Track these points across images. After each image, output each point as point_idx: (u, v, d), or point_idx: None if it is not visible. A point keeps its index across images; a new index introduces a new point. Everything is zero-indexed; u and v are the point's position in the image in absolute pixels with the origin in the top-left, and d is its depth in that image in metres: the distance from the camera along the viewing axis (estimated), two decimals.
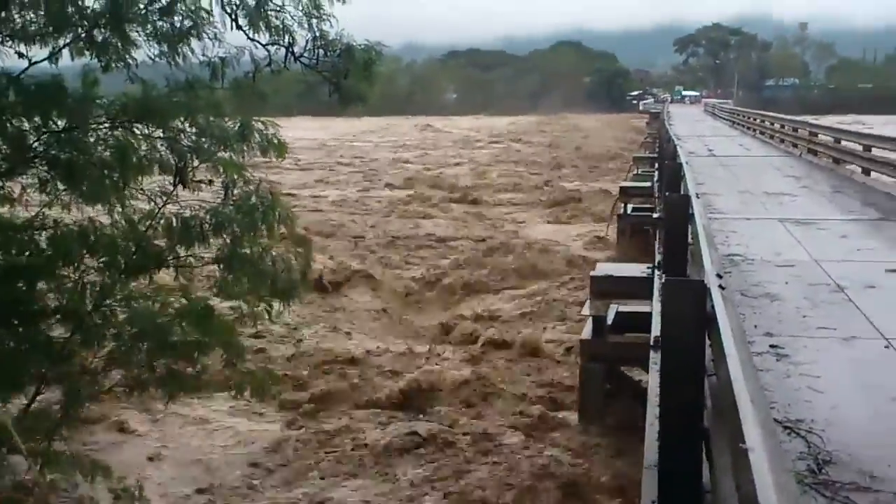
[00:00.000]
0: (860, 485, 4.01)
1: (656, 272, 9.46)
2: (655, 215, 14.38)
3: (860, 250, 9.92)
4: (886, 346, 6.13)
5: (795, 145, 25.78)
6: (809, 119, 29.88)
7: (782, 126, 29.62)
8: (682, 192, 9.77)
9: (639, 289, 9.84)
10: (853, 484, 4.02)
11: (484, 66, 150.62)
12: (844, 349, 6.15)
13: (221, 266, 6.15)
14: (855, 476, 4.09)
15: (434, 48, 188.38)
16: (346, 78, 6.45)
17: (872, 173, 17.14)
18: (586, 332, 10.65)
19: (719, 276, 4.47)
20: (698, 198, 8.35)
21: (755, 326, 6.66)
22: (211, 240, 6.14)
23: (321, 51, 6.42)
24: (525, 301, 16.48)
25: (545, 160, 46.45)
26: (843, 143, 20.17)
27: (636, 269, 10.97)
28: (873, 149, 17.52)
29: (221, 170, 6.02)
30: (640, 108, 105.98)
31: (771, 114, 37.79)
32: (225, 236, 6.11)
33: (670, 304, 4.07)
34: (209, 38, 6.10)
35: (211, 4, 6.13)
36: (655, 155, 29.35)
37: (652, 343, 6.81)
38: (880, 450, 4.42)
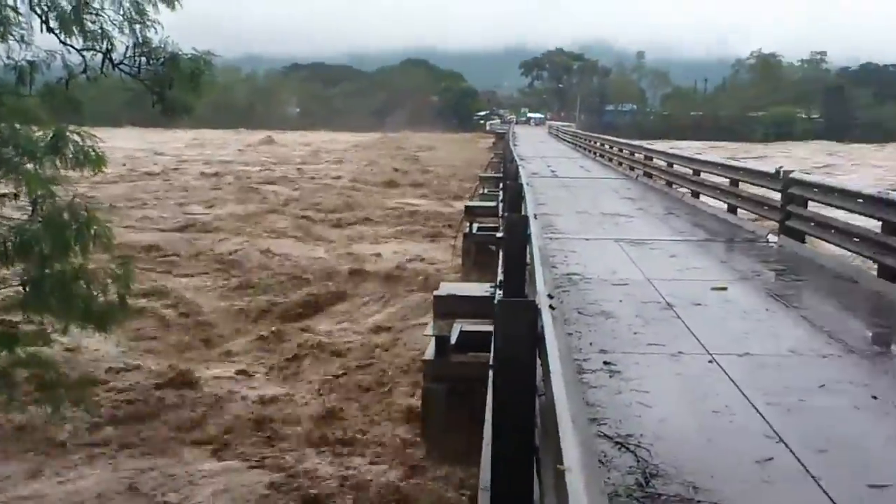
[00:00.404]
0: (683, 496, 4.19)
1: (498, 291, 9.61)
2: (499, 235, 14.64)
3: (689, 269, 10.47)
4: (710, 361, 6.47)
5: (633, 168, 27.06)
6: (645, 143, 31.42)
7: (621, 150, 31.04)
8: (522, 213, 9.98)
9: (481, 308, 9.96)
10: (677, 496, 4.19)
11: (328, 80, 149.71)
12: (672, 364, 6.43)
13: (27, 289, 5.71)
14: (679, 488, 4.26)
15: (276, 60, 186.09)
16: (171, 88, 6.19)
17: (701, 196, 18.18)
18: (429, 352, 10.67)
19: (550, 297, 4.56)
20: (536, 218, 8.55)
21: (591, 344, 6.88)
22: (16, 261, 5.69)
23: (143, 58, 6.13)
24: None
25: (387, 177, 46.47)
26: (676, 167, 21.31)
27: (479, 289, 11.11)
28: (701, 173, 18.61)
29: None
30: (487, 128, 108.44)
31: (610, 138, 39.55)
32: (32, 256, 5.67)
33: (503, 324, 4.10)
34: (15, 39, 5.70)
35: (16, 3, 5.73)
36: (501, 175, 30.02)
37: (490, 363, 6.88)
38: (703, 462, 4.63)
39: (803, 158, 69.42)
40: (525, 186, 12.30)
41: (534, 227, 7.62)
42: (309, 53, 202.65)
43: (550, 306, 4.24)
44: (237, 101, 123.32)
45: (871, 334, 7.87)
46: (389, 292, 18.42)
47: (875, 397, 5.69)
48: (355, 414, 11.47)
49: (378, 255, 23.09)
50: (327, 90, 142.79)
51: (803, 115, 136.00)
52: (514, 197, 11.48)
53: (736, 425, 5.19)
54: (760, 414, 5.34)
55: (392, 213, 32.87)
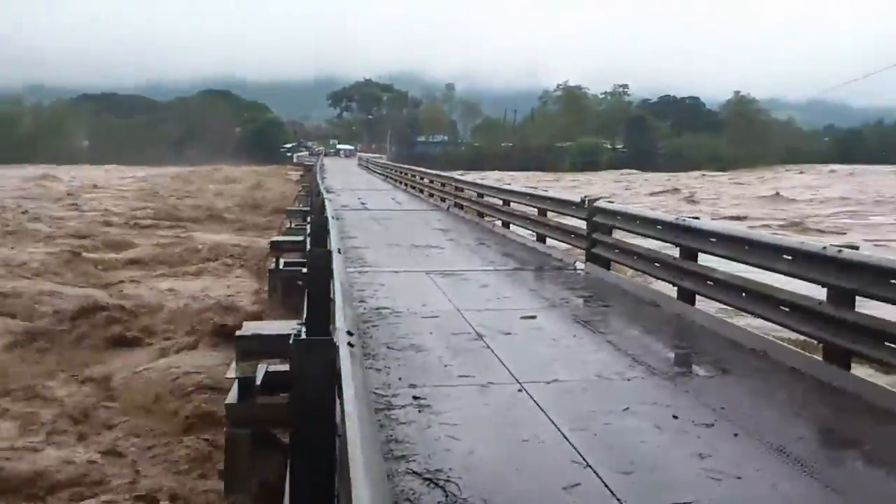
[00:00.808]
0: None
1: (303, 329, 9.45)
2: (305, 270, 14.47)
3: (499, 298, 10.75)
4: (519, 390, 6.64)
5: (444, 199, 27.59)
6: (456, 174, 32.14)
7: (432, 181, 31.59)
8: (328, 247, 9.90)
9: (287, 347, 9.75)
10: None
11: (121, 111, 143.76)
12: (482, 396, 6.55)
13: None
14: None
15: (64, 90, 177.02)
16: None
17: (511, 226, 18.79)
18: (232, 395, 10.31)
19: (350, 334, 4.52)
20: (340, 252, 8.51)
21: (400, 379, 6.90)
22: None
23: None
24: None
25: (185, 213, 44.89)
26: (486, 197, 21.92)
27: (286, 326, 10.88)
28: (511, 203, 19.25)
29: None
30: (294, 160, 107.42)
31: (421, 169, 40.15)
32: None
33: (298, 363, 4.02)
34: None
35: None
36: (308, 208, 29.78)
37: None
38: (512, 491, 4.74)
39: (590, 185, 73.66)
40: (330, 219, 12.25)
41: (337, 262, 7.58)
42: (100, 83, 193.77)
43: (349, 343, 4.20)
44: (19, 134, 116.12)
45: (672, 356, 8.35)
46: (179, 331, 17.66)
47: (676, 417, 6.02)
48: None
49: (170, 291, 22.15)
50: (119, 121, 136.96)
51: (608, 146, 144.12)
52: (320, 231, 11.39)
53: (544, 453, 5.35)
54: (568, 440, 5.52)
55: (186, 249, 31.71)
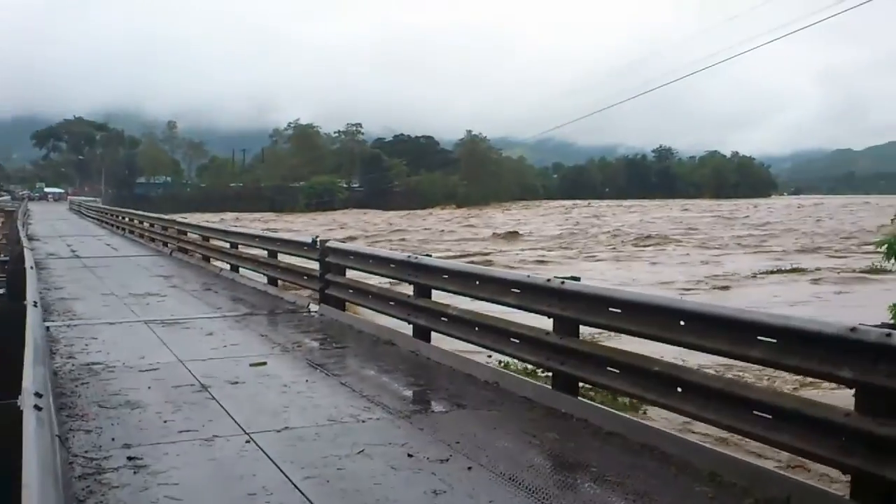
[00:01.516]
0: None
1: None
2: None
3: (226, 346, 10.51)
4: (247, 441, 6.50)
5: (166, 244, 26.68)
6: (178, 217, 31.24)
7: (152, 225, 30.50)
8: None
9: None
10: None
11: None
12: (206, 450, 6.34)
13: None
14: None
15: None
16: None
17: (240, 269, 18.49)
18: None
19: (38, 396, 4.21)
20: (37, 305, 7.95)
21: (113, 439, 6.53)
22: None
23: None
24: None
25: None
26: (212, 240, 21.44)
27: None
28: (239, 246, 18.96)
29: None
30: None
31: (140, 212, 38.68)
32: None
33: None
34: None
35: None
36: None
37: None
38: None
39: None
40: (29, 270, 11.46)
41: (31, 316, 7.06)
42: None
43: (36, 406, 3.91)
44: None
45: (408, 394, 8.51)
46: None
47: (411, 455, 6.14)
48: None
49: None
50: None
51: (344, 184, 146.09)
52: (17, 283, 10.62)
53: None
54: (299, 489, 5.47)
55: None
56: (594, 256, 44.17)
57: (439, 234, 67.50)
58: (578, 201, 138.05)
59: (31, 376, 4.74)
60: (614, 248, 49.87)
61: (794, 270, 33.96)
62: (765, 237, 58.86)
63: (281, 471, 5.83)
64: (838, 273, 32.62)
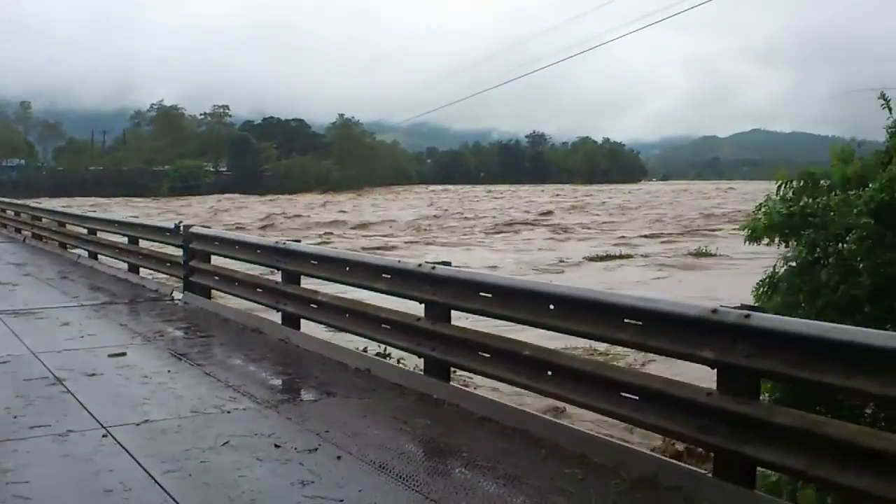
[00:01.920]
0: None
1: None
2: None
3: (84, 337, 10.13)
4: (105, 435, 6.28)
5: (19, 230, 25.55)
6: (32, 202, 29.96)
7: (3, 210, 29.15)
8: None
9: None
10: None
11: None
12: (60, 446, 6.08)
13: None
14: None
15: None
16: None
17: (99, 256, 17.85)
18: None
19: None
20: None
21: None
22: None
23: None
24: None
25: None
26: (69, 226, 20.62)
27: None
28: (98, 232, 18.28)
29: None
30: None
31: None
32: None
33: None
34: None
35: None
36: None
37: None
38: None
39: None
40: None
41: None
42: None
43: None
44: None
45: (277, 383, 8.37)
46: None
47: (278, 446, 6.04)
48: None
49: None
50: None
51: (211, 168, 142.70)
52: None
53: (131, 502, 5.07)
54: (159, 484, 5.31)
55: None
56: (433, 242, 45.00)
57: (289, 219, 66.65)
58: (451, 186, 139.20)
59: None
60: (465, 235, 50.75)
61: (622, 256, 36.07)
62: (617, 222, 61.31)
63: (140, 466, 5.65)
64: (668, 257, 34.46)
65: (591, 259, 34.88)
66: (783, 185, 7.68)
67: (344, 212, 75.28)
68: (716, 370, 5.04)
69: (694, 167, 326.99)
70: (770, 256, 8.04)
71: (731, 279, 24.61)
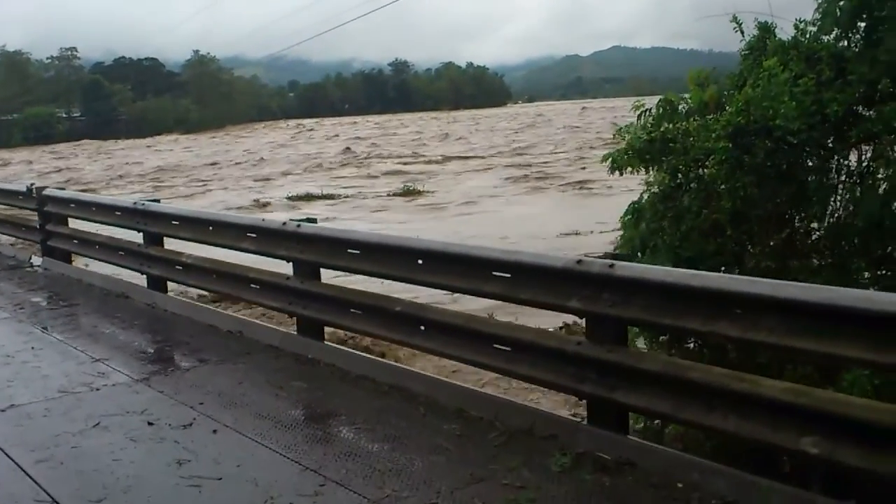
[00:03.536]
0: None
1: None
2: None
3: None
4: None
5: None
6: None
7: None
8: None
9: None
10: None
11: None
12: None
13: None
14: None
15: None
16: None
17: None
18: None
19: None
20: None
21: None
22: None
23: None
24: None
25: None
26: None
27: None
28: None
29: None
30: None
31: None
32: None
33: None
34: None
35: None
36: None
37: None
38: None
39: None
40: None
41: None
42: None
43: None
44: None
45: (147, 352, 8.07)
46: None
47: (151, 423, 5.85)
48: None
49: None
50: None
51: (64, 114, 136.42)
52: None
53: (2, 499, 4.84)
54: (30, 476, 5.08)
55: None
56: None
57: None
58: (311, 120, 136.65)
59: None
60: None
61: (323, 196, 35.11)
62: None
63: (7, 456, 5.39)
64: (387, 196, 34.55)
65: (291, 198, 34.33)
66: (642, 114, 7.73)
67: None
68: (584, 319, 5.12)
69: (558, 88, 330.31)
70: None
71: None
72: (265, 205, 33.13)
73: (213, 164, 61.17)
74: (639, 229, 7.22)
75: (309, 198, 34.05)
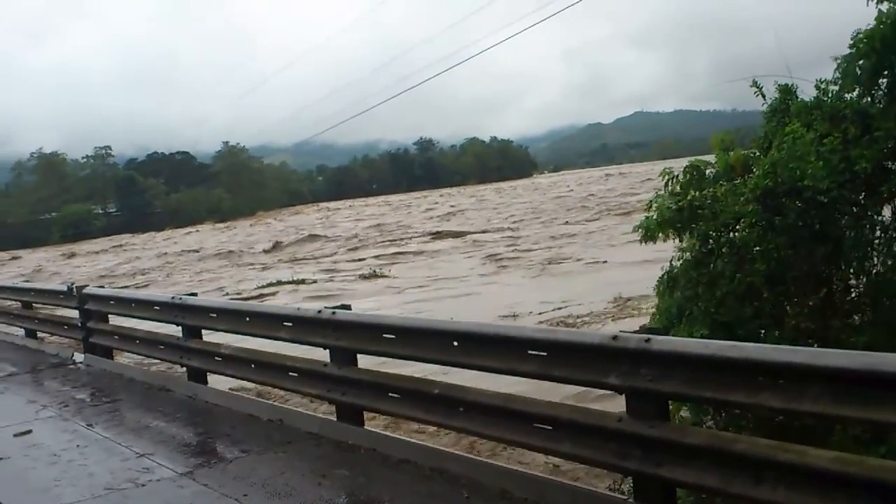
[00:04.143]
0: None
1: None
2: None
3: None
4: None
5: None
6: None
7: None
8: None
9: None
10: None
11: None
12: None
13: None
14: None
15: None
16: None
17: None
18: None
19: None
20: None
21: None
22: None
23: None
24: None
25: None
26: None
27: None
28: None
29: None
30: None
31: None
32: None
33: None
34: None
35: None
36: None
37: None
38: None
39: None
40: None
41: None
42: None
43: None
44: None
45: (190, 445, 8.05)
46: None
47: None
48: None
49: None
50: None
51: (100, 211, 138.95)
52: None
53: None
54: None
55: None
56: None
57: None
58: (339, 203, 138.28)
59: None
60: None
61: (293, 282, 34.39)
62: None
63: None
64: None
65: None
66: (670, 181, 7.71)
67: None
68: (623, 395, 5.05)
69: (582, 156, 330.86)
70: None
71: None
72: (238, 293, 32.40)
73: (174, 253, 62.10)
74: (674, 297, 7.16)
75: (278, 283, 33.41)
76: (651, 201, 7.62)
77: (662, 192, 7.66)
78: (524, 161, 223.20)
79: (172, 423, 8.75)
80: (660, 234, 7.37)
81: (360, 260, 42.48)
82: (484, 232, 52.52)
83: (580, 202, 71.72)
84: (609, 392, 5.20)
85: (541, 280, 28.18)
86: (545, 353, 5.45)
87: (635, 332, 4.98)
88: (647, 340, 4.79)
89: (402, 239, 54.36)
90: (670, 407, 5.11)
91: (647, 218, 7.50)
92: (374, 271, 35.11)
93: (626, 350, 4.88)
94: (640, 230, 7.53)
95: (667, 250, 7.59)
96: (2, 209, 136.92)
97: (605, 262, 29.65)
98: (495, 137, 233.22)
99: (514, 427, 5.69)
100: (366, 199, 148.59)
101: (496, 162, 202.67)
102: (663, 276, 7.38)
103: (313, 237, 62.54)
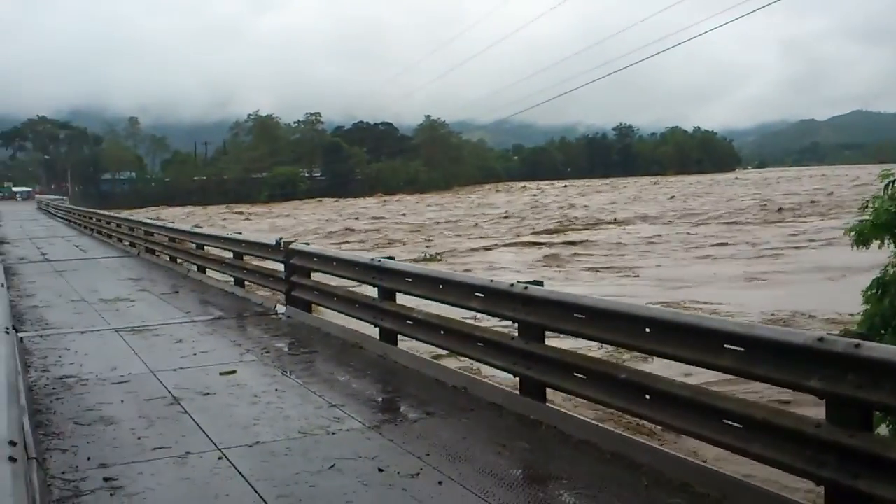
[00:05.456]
0: None
1: None
2: None
3: (196, 354, 10.24)
4: (220, 458, 6.30)
5: (133, 244, 26.18)
6: (144, 215, 30.69)
7: (119, 225, 29.91)
8: None
9: None
10: None
11: None
12: (180, 468, 6.13)
13: None
14: None
15: None
16: None
17: (207, 270, 18.16)
18: None
19: (12, 444, 3.83)
20: (8, 332, 7.32)
21: (89, 459, 6.33)
22: None
23: None
24: None
25: None
26: (179, 242, 21.01)
27: None
28: (206, 247, 18.62)
29: None
30: None
31: (106, 212, 37.93)
32: None
33: None
34: None
35: None
36: None
37: None
38: None
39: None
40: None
41: (3, 348, 6.59)
42: None
43: (11, 458, 3.58)
44: None
45: (378, 401, 8.32)
46: None
47: (381, 469, 5.97)
48: None
49: None
50: None
51: (306, 174, 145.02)
52: None
53: None
54: None
55: None
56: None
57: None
58: (530, 183, 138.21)
59: (6, 421, 4.27)
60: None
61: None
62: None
63: (254, 490, 5.64)
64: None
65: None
66: (890, 184, 7.19)
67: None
68: (824, 400, 4.76)
69: (791, 153, 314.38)
70: None
71: None
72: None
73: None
74: (882, 304, 6.70)
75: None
76: (867, 202, 7.14)
77: (881, 194, 7.17)
78: (727, 155, 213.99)
79: (363, 379, 9.03)
80: (873, 239, 6.91)
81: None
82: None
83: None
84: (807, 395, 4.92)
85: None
86: (742, 349, 5.21)
87: (843, 336, 4.68)
88: (857, 346, 4.48)
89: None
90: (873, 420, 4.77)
91: (860, 221, 7.04)
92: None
93: (833, 353, 4.58)
94: (851, 234, 7.08)
95: None
96: (221, 165, 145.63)
97: None
98: (699, 128, 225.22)
99: (702, 421, 5.48)
100: (553, 181, 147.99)
101: (697, 154, 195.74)
102: (873, 282, 6.92)
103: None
